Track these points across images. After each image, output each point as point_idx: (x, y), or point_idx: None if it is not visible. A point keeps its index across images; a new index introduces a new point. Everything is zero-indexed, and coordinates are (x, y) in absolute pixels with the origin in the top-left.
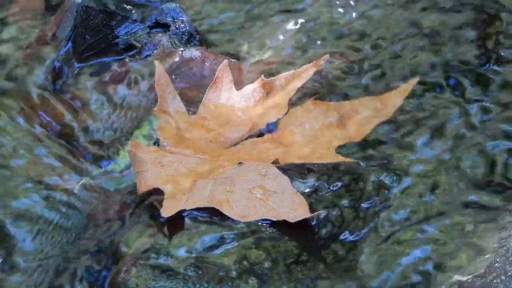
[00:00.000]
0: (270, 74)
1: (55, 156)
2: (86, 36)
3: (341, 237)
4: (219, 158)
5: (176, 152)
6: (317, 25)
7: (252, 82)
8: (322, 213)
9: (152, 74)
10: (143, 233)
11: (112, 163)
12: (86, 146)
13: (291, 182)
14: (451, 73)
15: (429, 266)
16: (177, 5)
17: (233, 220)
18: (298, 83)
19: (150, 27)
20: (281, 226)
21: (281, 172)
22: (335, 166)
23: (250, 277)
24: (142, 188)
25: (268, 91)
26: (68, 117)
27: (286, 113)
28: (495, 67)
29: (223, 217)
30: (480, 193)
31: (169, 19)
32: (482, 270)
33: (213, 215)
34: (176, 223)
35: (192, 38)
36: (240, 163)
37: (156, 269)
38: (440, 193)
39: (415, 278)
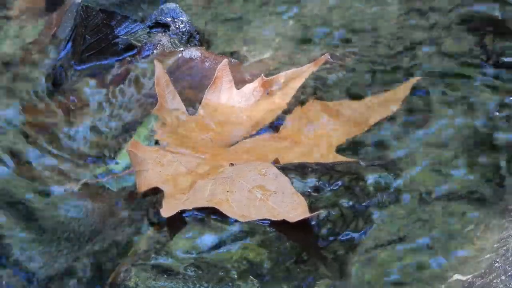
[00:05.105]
0: (270, 73)
1: (55, 157)
2: (86, 36)
3: (341, 237)
4: (219, 158)
5: (176, 152)
6: (317, 24)
7: (252, 81)
8: (322, 213)
9: (152, 74)
10: (143, 233)
11: (112, 163)
12: (86, 146)
13: (291, 182)
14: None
15: (429, 266)
16: (177, 5)
17: (233, 220)
18: (298, 83)
19: (150, 27)
20: (281, 226)
21: (281, 172)
22: (335, 166)
23: (250, 277)
24: (142, 187)
25: (268, 90)
26: (67, 117)
27: (286, 113)
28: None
29: (223, 217)
30: (480, 193)
31: (169, 19)
32: (482, 270)
33: (213, 215)
34: (176, 223)
35: (192, 38)
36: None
37: (156, 269)
38: (440, 193)
39: (415, 277)
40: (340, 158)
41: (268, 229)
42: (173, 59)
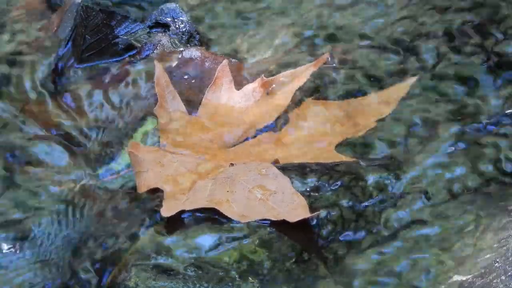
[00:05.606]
0: (270, 74)
1: (55, 157)
2: (86, 36)
3: (341, 237)
4: (219, 158)
5: (176, 152)
6: (317, 24)
7: (252, 82)
8: (322, 212)
9: (152, 74)
10: (143, 233)
11: (112, 163)
12: (86, 146)
13: (291, 182)
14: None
15: (429, 266)
16: (177, 5)
17: (233, 220)
18: (298, 83)
19: (150, 27)
20: (281, 226)
21: (281, 172)
22: (335, 166)
23: (250, 277)
24: (142, 188)
25: (268, 91)
26: (67, 117)
27: (285, 113)
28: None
29: (223, 217)
30: (480, 193)
31: (169, 19)
32: (482, 270)
33: (213, 215)
34: (176, 223)
35: (192, 38)
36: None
37: (156, 269)
38: (439, 193)
39: (415, 278)
40: (340, 158)
41: (268, 229)
42: (173, 59)
